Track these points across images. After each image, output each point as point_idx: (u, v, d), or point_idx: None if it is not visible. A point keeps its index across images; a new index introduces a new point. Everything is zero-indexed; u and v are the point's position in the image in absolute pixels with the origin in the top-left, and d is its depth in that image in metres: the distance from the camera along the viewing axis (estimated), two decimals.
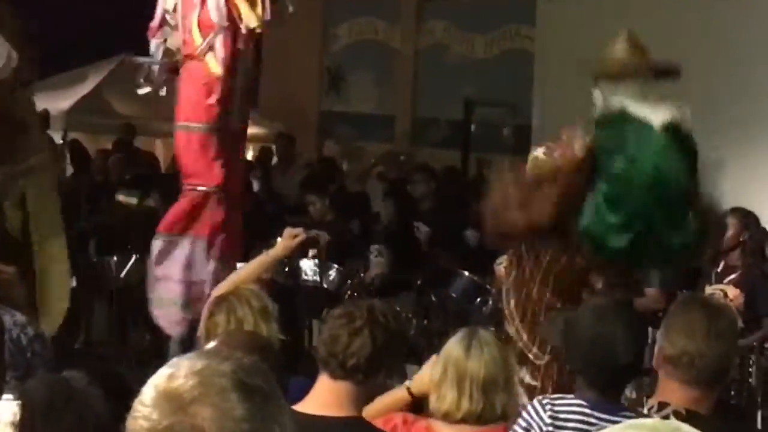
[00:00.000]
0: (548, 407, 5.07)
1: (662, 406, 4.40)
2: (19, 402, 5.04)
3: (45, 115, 17.04)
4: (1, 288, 7.18)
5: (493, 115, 19.85)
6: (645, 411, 4.52)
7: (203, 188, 10.40)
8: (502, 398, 5.64)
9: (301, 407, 4.64)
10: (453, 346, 5.72)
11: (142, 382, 2.60)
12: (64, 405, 3.90)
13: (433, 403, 5.70)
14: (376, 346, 4.63)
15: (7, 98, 10.46)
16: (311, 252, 11.38)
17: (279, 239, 12.83)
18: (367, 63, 21.77)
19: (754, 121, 14.13)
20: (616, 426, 2.71)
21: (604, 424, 4.82)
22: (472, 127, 20.00)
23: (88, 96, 19.40)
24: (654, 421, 3.14)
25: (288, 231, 7.34)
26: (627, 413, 4.94)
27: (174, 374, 2.48)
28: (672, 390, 4.42)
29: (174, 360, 2.55)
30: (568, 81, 15.78)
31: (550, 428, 5.02)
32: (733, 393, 9.52)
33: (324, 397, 4.67)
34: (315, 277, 12.14)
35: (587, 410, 4.99)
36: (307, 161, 18.72)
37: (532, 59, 17.03)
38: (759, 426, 9.93)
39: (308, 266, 12.01)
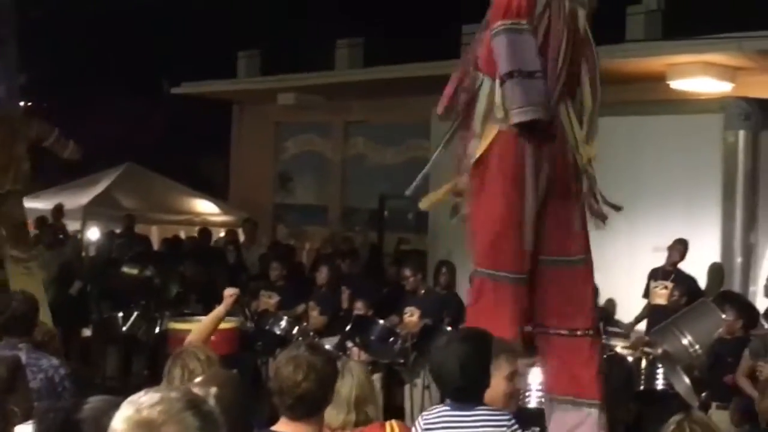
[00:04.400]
0: (421, 420, 4.98)
1: None
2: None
3: (60, 209, 16.97)
4: (45, 341, 7.17)
5: (401, 205, 19.90)
6: None
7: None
8: (371, 409, 5.65)
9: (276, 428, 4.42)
10: None
11: None
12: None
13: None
14: (320, 386, 4.34)
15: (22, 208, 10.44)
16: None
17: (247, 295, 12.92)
18: (307, 168, 21.78)
19: None
20: None
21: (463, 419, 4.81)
22: (385, 213, 20.05)
23: (100, 195, 19.34)
24: None
25: (226, 290, 7.14)
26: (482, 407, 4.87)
27: (139, 408, 2.49)
28: None
29: (130, 398, 2.54)
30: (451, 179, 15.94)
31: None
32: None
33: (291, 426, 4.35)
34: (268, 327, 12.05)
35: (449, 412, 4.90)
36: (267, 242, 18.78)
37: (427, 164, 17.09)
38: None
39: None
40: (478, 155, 6.02)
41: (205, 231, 18.72)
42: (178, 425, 2.44)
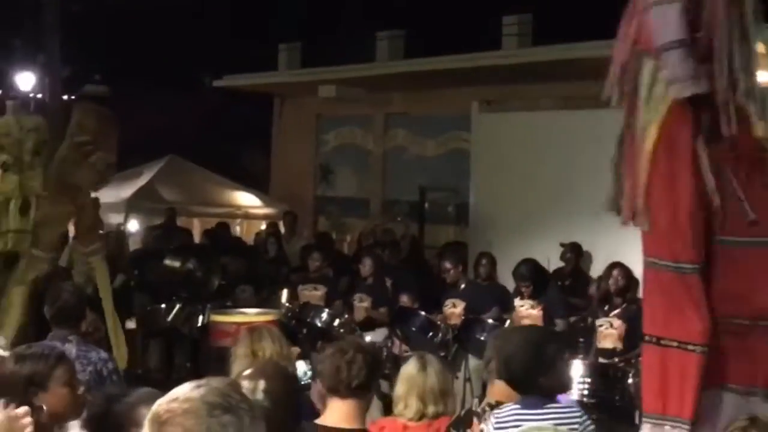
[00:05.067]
0: (492, 419, 4.95)
1: None
2: None
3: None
4: (90, 332, 7.26)
5: (440, 197, 19.89)
6: None
7: None
8: (450, 402, 5.72)
9: (320, 420, 4.63)
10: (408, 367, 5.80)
11: None
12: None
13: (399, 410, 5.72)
14: (368, 367, 4.61)
15: (89, 204, 10.47)
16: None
17: (287, 288, 12.96)
18: (348, 160, 21.81)
19: None
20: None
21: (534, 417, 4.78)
22: (426, 205, 20.04)
23: (143, 188, 19.43)
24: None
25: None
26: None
27: (161, 401, 2.53)
28: None
29: (175, 389, 2.58)
30: (494, 171, 15.91)
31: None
32: (617, 397, 9.50)
33: (337, 414, 4.59)
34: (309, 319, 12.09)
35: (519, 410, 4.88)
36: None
37: (469, 155, 17.07)
38: (636, 421, 9.94)
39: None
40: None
41: (224, 225, 18.73)
42: (178, 428, 2.45)
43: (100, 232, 10.91)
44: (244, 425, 2.49)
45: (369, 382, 4.64)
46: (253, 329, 5.99)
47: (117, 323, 9.54)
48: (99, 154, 9.90)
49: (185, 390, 2.53)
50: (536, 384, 4.83)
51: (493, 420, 4.92)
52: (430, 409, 5.62)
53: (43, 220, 9.57)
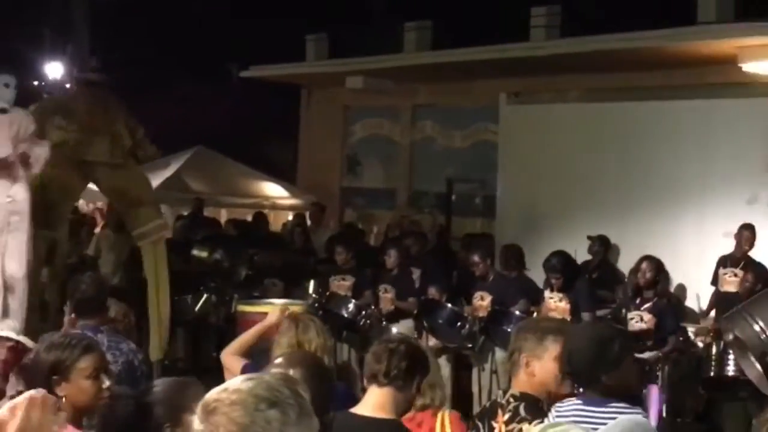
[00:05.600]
0: (553, 410, 4.90)
1: None
2: None
3: None
4: (118, 319, 7.29)
5: (467, 189, 19.88)
6: None
7: None
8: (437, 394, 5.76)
9: (355, 410, 4.66)
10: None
11: (208, 388, 2.66)
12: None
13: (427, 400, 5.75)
14: (410, 358, 4.66)
15: (122, 178, 10.46)
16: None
17: (314, 279, 12.97)
18: (375, 151, 21.81)
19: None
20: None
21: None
22: (453, 197, 20.04)
23: (170, 178, 19.50)
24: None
25: (279, 306, 7.08)
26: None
27: (213, 390, 2.57)
28: None
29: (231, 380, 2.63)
30: (522, 163, 15.90)
31: None
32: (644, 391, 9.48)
33: (373, 402, 4.64)
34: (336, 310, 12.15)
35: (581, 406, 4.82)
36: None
37: (496, 147, 17.06)
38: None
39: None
40: None
41: (261, 215, 18.79)
42: (222, 417, 2.49)
43: (155, 216, 10.83)
44: (290, 421, 2.52)
45: (408, 374, 4.67)
46: (297, 319, 5.98)
47: (159, 312, 9.58)
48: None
49: (237, 381, 2.58)
50: (598, 381, 4.79)
51: (553, 412, 4.87)
52: (417, 401, 5.61)
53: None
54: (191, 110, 26.07)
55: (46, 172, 8.83)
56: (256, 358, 6.19)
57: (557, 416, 4.83)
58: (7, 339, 5.89)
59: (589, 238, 13.87)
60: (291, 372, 3.99)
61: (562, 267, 11.02)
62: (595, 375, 4.76)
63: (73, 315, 6.72)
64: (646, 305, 10.46)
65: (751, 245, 12.07)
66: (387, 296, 12.31)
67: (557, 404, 4.92)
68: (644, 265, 10.53)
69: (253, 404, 2.50)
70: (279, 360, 4.23)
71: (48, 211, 9.45)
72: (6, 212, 8.44)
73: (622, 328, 9.18)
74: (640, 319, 10.35)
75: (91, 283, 6.92)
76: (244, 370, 5.70)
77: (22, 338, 5.15)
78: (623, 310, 10.95)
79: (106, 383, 4.54)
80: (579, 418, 4.67)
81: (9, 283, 8.40)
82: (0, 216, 8.39)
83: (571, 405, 4.83)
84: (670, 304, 10.99)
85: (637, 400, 5.14)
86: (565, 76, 16.64)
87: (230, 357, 6.28)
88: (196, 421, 2.52)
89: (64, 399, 4.32)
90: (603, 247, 13.82)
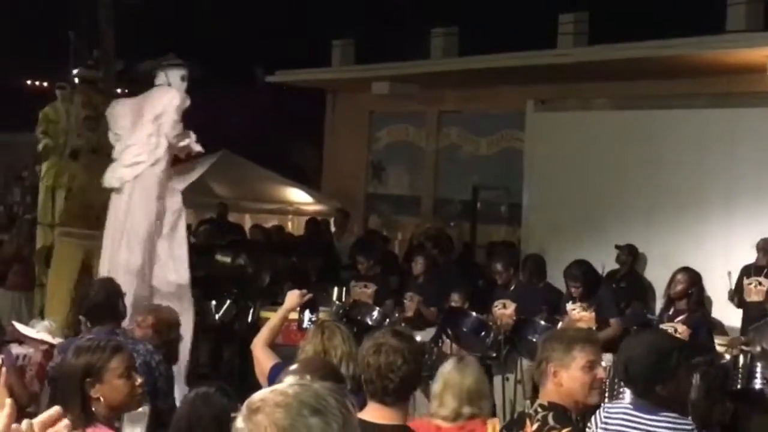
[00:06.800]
0: (602, 410, 4.99)
1: None
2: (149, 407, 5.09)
3: None
4: (139, 321, 7.34)
5: (494, 197, 19.86)
6: None
7: None
8: (485, 404, 5.74)
9: (361, 414, 4.61)
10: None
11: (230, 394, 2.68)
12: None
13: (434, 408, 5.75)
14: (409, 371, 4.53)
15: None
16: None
17: (338, 286, 12.96)
18: (400, 158, 21.83)
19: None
20: None
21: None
22: (478, 205, 20.02)
23: (194, 182, 19.51)
24: None
25: (295, 291, 6.89)
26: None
27: (260, 391, 2.58)
28: None
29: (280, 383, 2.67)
30: (548, 170, 15.86)
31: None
32: None
33: (377, 412, 4.53)
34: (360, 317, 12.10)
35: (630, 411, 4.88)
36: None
37: (522, 155, 17.04)
38: None
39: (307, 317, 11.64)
40: None
41: (314, 221, 18.81)
42: (264, 416, 2.49)
43: None
44: (332, 431, 2.52)
45: (408, 390, 4.61)
46: (323, 326, 5.97)
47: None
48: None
49: (284, 384, 2.60)
50: (653, 391, 4.80)
51: (602, 412, 4.95)
52: (465, 410, 5.63)
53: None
54: (217, 114, 26.10)
55: None
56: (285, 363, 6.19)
57: (605, 417, 4.87)
58: (42, 342, 5.96)
59: (617, 247, 13.84)
60: (306, 378, 4.00)
61: (582, 276, 10.99)
62: (651, 384, 4.78)
63: (88, 324, 6.77)
64: (680, 317, 10.42)
65: None
66: (412, 304, 12.31)
67: (606, 405, 4.96)
68: (679, 276, 10.48)
69: (297, 409, 2.50)
70: (294, 366, 4.23)
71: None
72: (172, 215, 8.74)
73: (681, 339, 9.16)
74: (674, 331, 10.30)
75: (99, 291, 6.97)
76: (272, 370, 5.73)
77: (57, 341, 5.20)
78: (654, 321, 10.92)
79: (139, 380, 4.68)
80: (626, 422, 4.71)
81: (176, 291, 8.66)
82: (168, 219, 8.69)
83: (620, 408, 4.88)
84: (705, 318, 10.94)
85: (686, 411, 5.12)
86: (593, 84, 16.62)
87: (261, 350, 6.24)
88: (239, 419, 2.54)
89: (101, 399, 4.46)
90: (631, 257, 13.79)
